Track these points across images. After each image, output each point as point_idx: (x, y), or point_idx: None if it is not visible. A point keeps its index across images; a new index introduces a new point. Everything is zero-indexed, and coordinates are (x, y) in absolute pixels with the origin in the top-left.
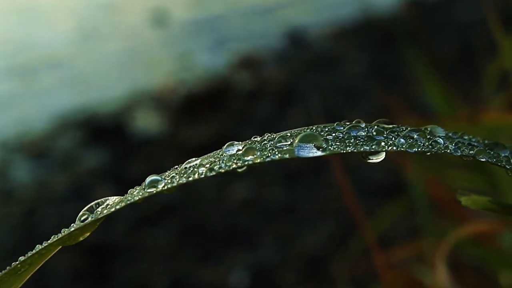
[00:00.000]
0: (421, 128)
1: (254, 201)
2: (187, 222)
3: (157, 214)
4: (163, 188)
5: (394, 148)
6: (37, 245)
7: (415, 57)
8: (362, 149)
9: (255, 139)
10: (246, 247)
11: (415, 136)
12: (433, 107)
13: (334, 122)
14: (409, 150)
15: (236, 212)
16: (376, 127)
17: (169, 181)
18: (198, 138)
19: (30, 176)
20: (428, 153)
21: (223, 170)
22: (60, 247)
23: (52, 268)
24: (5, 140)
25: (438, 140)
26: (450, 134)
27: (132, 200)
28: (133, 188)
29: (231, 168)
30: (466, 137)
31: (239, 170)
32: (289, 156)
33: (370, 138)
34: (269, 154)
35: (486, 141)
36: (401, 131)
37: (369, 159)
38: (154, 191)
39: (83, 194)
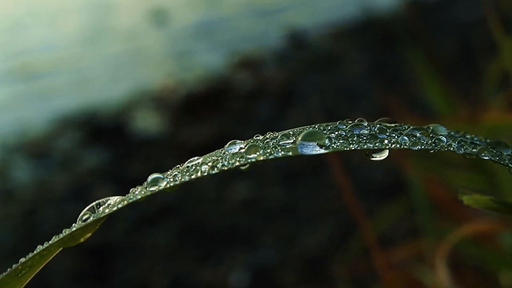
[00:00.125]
0: (423, 127)
1: (254, 201)
2: (187, 222)
3: (157, 214)
4: (166, 187)
5: (398, 146)
6: (38, 246)
7: (415, 57)
8: (365, 146)
9: (258, 137)
10: (246, 247)
11: (418, 135)
12: (433, 107)
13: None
14: (412, 147)
15: (236, 212)
16: (378, 125)
17: (172, 179)
18: (198, 138)
19: (30, 176)
20: (431, 151)
21: (226, 168)
22: (61, 248)
23: (53, 268)
24: (5, 140)
25: (441, 138)
26: (453, 133)
27: (134, 198)
28: (135, 187)
29: (234, 166)
30: (468, 136)
31: (242, 168)
32: (292, 153)
33: (373, 136)
34: (272, 152)
35: (488, 140)
36: (403, 130)
37: (373, 157)
38: (157, 190)
39: (83, 194)
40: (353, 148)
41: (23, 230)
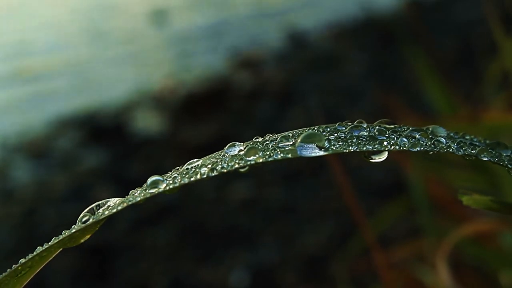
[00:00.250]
0: (423, 128)
1: (254, 201)
2: (187, 222)
3: (157, 214)
4: (165, 189)
5: (397, 147)
6: (38, 247)
7: (416, 57)
8: (364, 148)
9: (257, 139)
10: (246, 247)
11: (417, 136)
12: (434, 106)
13: (335, 122)
14: (411, 149)
15: (236, 212)
16: (378, 127)
17: (171, 181)
18: (198, 138)
19: (30, 176)
20: (430, 153)
21: (225, 170)
22: (61, 249)
23: (52, 268)
24: (6, 140)
25: (440, 140)
26: (452, 134)
27: (134, 201)
28: (134, 188)
29: (233, 168)
30: (467, 137)
31: (242, 170)
32: (291, 156)
33: (372, 138)
34: (272, 154)
35: (487, 141)
36: (403, 131)
37: (372, 159)
38: (156, 192)
39: (83, 194)
40: (352, 150)
41: (23, 230)
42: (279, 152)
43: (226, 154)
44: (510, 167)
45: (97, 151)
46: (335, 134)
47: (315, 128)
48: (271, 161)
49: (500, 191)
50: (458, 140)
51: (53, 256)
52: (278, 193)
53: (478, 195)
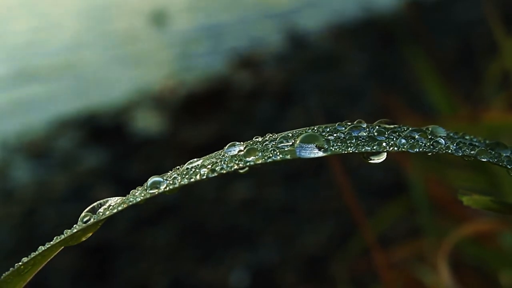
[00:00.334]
0: (422, 128)
1: (254, 201)
2: (187, 222)
3: (157, 214)
4: (165, 189)
5: (396, 148)
6: (40, 246)
7: (416, 57)
8: (363, 149)
9: (257, 139)
10: (246, 247)
11: (417, 137)
12: (434, 106)
13: (335, 123)
14: (410, 150)
15: (236, 212)
16: (377, 127)
17: (171, 182)
18: (198, 138)
19: (30, 176)
20: (429, 154)
21: (224, 171)
22: (62, 247)
23: (53, 268)
24: (6, 140)
25: (440, 141)
26: (451, 134)
27: (134, 201)
28: (135, 189)
29: (232, 169)
30: (467, 137)
31: (241, 171)
32: (290, 157)
33: (371, 139)
34: (271, 155)
35: (487, 141)
36: (402, 132)
37: (371, 160)
38: (156, 192)
39: (83, 194)
40: (351, 151)
41: (23, 230)
42: (278, 153)
43: (225, 154)
44: (509, 167)
45: (97, 151)
46: (335, 135)
47: (315, 128)
48: (270, 162)
49: (500, 191)
50: (458, 140)
51: (55, 254)
52: (278, 193)
53: (478, 195)
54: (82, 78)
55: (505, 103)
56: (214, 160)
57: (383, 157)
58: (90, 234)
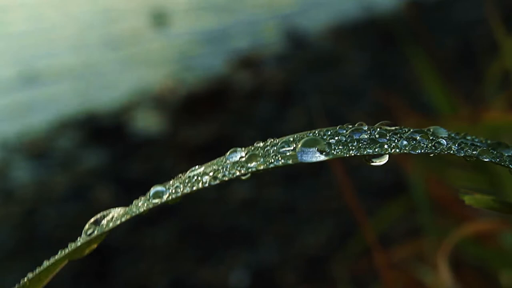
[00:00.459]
0: (423, 130)
1: (254, 201)
2: (187, 222)
3: (157, 214)
4: (168, 199)
5: (397, 150)
6: (44, 261)
7: (416, 57)
8: (365, 152)
9: (258, 145)
10: (246, 247)
11: (418, 138)
12: (435, 106)
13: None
14: (412, 152)
15: (236, 212)
16: (378, 129)
17: (173, 191)
18: (198, 138)
19: (30, 176)
20: (431, 155)
21: (227, 178)
22: (67, 261)
23: None
24: (6, 140)
25: (441, 141)
26: (453, 135)
27: (137, 212)
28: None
29: (234, 176)
30: (469, 137)
31: (243, 177)
32: (292, 161)
33: (373, 141)
34: (273, 160)
35: (488, 141)
36: (403, 133)
37: (373, 162)
38: (159, 202)
39: (83, 194)
40: (353, 154)
41: (23, 230)
42: (280, 158)
43: (227, 161)
44: (511, 167)
45: (97, 151)
46: (336, 138)
47: (316, 132)
48: (272, 167)
49: (502, 191)
50: (459, 141)
51: (59, 268)
52: (278, 193)
53: (480, 195)
54: (82, 78)
55: (506, 103)
56: (215, 167)
57: (385, 159)
58: (95, 246)
